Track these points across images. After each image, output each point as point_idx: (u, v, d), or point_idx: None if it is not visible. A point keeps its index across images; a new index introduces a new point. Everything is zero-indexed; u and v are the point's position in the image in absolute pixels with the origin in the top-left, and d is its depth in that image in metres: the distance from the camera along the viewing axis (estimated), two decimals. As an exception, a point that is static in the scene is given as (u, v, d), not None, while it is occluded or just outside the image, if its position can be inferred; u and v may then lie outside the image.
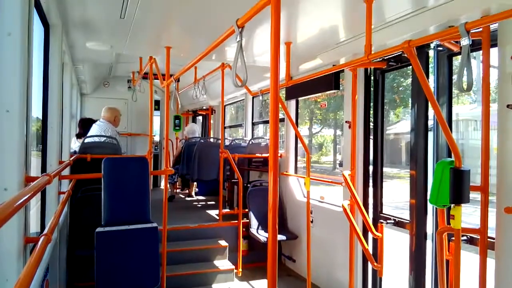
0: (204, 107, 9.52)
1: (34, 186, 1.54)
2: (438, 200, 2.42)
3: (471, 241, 2.80)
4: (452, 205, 2.41)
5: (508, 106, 2.38)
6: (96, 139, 5.02)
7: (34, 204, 3.11)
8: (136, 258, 3.13)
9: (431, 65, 3.35)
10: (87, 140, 4.93)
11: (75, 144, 5.65)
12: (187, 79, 6.92)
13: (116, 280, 3.06)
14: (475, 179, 2.58)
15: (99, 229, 3.07)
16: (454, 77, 3.13)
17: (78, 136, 5.97)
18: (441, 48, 3.22)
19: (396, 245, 4.94)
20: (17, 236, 1.68)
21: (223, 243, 5.11)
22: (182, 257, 4.81)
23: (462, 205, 2.40)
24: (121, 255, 3.08)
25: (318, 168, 22.21)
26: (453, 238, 2.51)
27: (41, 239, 1.66)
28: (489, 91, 2.51)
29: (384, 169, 4.04)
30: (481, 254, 2.57)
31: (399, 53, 3.06)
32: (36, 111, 2.89)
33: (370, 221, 3.65)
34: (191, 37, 4.14)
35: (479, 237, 2.56)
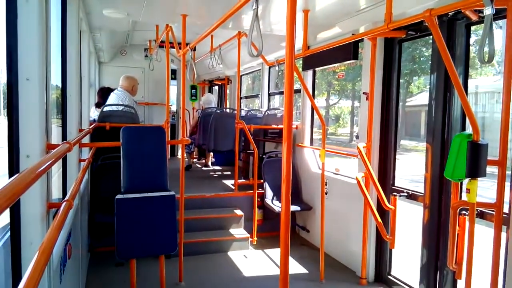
0: (220, 77, 9.47)
1: (55, 153, 1.58)
2: (454, 174, 2.40)
3: (481, 215, 2.78)
4: (468, 179, 2.38)
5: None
6: (114, 107, 5.07)
7: (56, 171, 3.21)
8: (155, 225, 3.22)
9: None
10: (105, 108, 4.99)
11: (94, 113, 5.74)
12: (203, 48, 6.86)
13: (135, 245, 3.17)
14: (496, 153, 2.53)
15: (119, 196, 3.16)
16: (472, 48, 3.02)
17: (97, 105, 6.05)
18: (459, 17, 3.10)
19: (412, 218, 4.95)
20: (40, 202, 1.74)
21: (238, 212, 5.21)
22: (199, 225, 4.93)
23: (479, 179, 2.37)
24: (140, 221, 3.17)
25: (334, 140, 22.09)
26: (463, 212, 2.50)
27: (63, 205, 1.72)
28: (511, 62, 2.42)
29: (403, 142, 4.00)
30: (496, 229, 2.55)
31: (418, 22, 2.96)
32: (55, 80, 2.92)
33: (383, 194, 3.65)
34: (207, 4, 4.08)
35: (494, 211, 2.54)
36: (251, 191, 5.27)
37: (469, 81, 3.22)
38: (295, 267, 4.39)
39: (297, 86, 5.63)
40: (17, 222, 1.67)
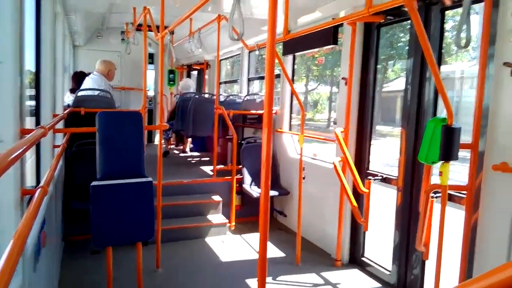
0: (199, 62, 9.35)
1: (29, 138, 1.54)
2: (427, 157, 2.46)
3: (449, 198, 2.88)
4: (441, 162, 2.45)
5: (504, 63, 2.37)
6: (90, 92, 4.95)
7: (29, 158, 3.12)
8: (131, 212, 3.18)
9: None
10: (80, 93, 4.86)
11: (69, 98, 5.59)
12: (182, 32, 6.74)
13: (111, 233, 3.12)
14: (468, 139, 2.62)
15: (94, 183, 3.10)
16: (447, 34, 3.08)
17: (72, 91, 5.89)
18: (434, 1, 3.16)
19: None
20: (14, 188, 1.70)
21: (216, 198, 5.21)
22: (176, 211, 4.92)
23: (451, 162, 2.45)
24: (116, 208, 3.13)
25: (312, 126, 22.28)
26: (432, 195, 2.58)
27: (37, 191, 1.68)
28: (487, 48, 2.48)
29: (378, 127, 4.08)
30: (467, 211, 2.65)
31: (397, 7, 2.99)
32: (29, 64, 2.83)
33: (358, 178, 3.73)
34: (186, -14, 4.00)
35: (464, 194, 2.64)
36: (229, 177, 5.28)
37: (445, 66, 3.29)
38: (273, 251, 4.45)
39: (276, 71, 5.61)
40: None
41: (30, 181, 2.66)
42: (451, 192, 2.91)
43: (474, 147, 2.58)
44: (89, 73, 5.48)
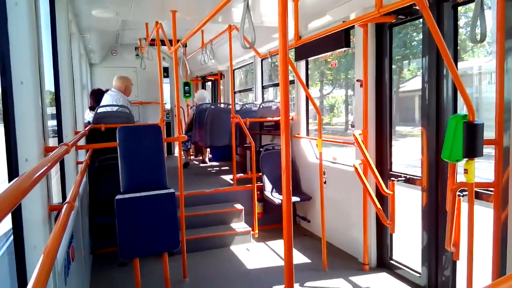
0: (213, 72, 9.44)
1: (53, 155, 1.57)
2: (451, 155, 2.41)
3: (476, 196, 2.80)
4: (465, 160, 2.40)
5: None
6: (109, 108, 5.05)
7: (54, 175, 3.19)
8: (156, 223, 3.22)
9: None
10: (99, 110, 4.97)
11: (89, 115, 5.71)
12: (194, 44, 6.84)
13: (138, 245, 3.17)
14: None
15: (118, 197, 3.15)
16: (461, 30, 3.03)
17: (92, 109, 6.02)
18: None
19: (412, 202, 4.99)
20: (41, 205, 1.74)
21: (238, 206, 5.22)
22: (200, 221, 4.94)
23: (476, 159, 2.39)
24: (141, 220, 3.17)
25: (330, 130, 22.12)
26: (458, 193, 2.52)
27: (64, 207, 1.72)
28: (503, 42, 2.43)
29: (398, 128, 4.03)
30: (495, 208, 2.58)
31: (408, 6, 2.96)
32: (48, 84, 2.91)
33: (381, 179, 3.68)
34: (196, -1, 4.06)
35: (492, 191, 2.56)
36: (250, 185, 5.28)
37: (461, 63, 3.24)
38: (298, 258, 4.42)
39: (290, 77, 5.60)
40: (19, 226, 1.67)
41: (56, 197, 2.72)
42: (478, 190, 2.84)
43: (498, 142, 2.51)
44: (107, 90, 5.59)
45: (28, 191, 1.05)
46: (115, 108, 5.05)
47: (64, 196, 2.96)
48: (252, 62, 7.42)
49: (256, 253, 4.64)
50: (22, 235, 1.67)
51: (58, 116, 3.06)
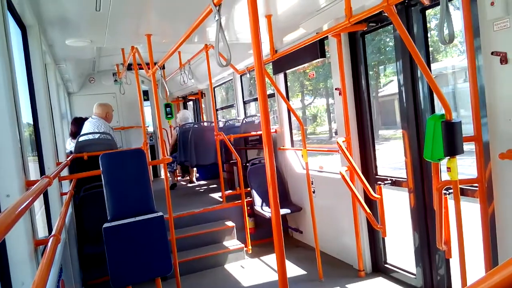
0: (194, 92, 9.46)
1: (35, 189, 1.55)
2: (433, 155, 2.45)
3: (461, 193, 2.85)
4: (447, 158, 2.44)
5: (492, 53, 2.39)
6: (90, 136, 5.00)
7: (39, 209, 3.13)
8: (146, 248, 3.16)
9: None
10: (81, 138, 4.91)
11: (70, 145, 5.64)
12: (172, 65, 6.85)
13: (129, 272, 3.10)
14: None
15: (106, 225, 3.09)
16: (433, 32, 3.12)
17: (73, 135, 5.94)
18: (413, 3, 3.22)
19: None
20: (26, 240, 1.70)
21: (229, 223, 5.18)
22: (191, 242, 4.88)
23: (457, 157, 2.43)
24: (131, 247, 3.11)
25: (314, 139, 22.27)
26: (444, 191, 2.56)
27: (50, 240, 1.68)
28: (472, 41, 2.51)
29: (381, 132, 4.08)
30: (481, 203, 2.62)
31: (377, 14, 3.05)
32: (26, 116, 2.87)
33: (367, 184, 3.71)
34: (170, 22, 4.08)
35: (476, 187, 2.61)
36: (239, 201, 5.26)
37: (436, 64, 3.32)
38: (293, 270, 4.39)
39: (270, 91, 5.67)
40: (5, 262, 1.63)
41: (42, 231, 2.66)
42: (463, 187, 2.88)
43: (477, 139, 2.57)
44: (87, 118, 5.54)
45: (10, 226, 1.03)
46: (97, 136, 5.00)
47: (50, 229, 2.89)
48: (231, 79, 7.47)
49: (251, 270, 4.59)
50: (8, 272, 1.63)
51: (38, 148, 3.01)
